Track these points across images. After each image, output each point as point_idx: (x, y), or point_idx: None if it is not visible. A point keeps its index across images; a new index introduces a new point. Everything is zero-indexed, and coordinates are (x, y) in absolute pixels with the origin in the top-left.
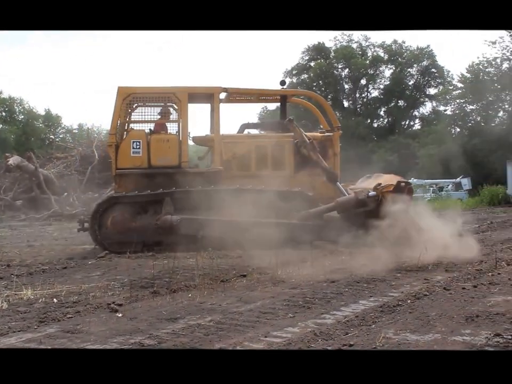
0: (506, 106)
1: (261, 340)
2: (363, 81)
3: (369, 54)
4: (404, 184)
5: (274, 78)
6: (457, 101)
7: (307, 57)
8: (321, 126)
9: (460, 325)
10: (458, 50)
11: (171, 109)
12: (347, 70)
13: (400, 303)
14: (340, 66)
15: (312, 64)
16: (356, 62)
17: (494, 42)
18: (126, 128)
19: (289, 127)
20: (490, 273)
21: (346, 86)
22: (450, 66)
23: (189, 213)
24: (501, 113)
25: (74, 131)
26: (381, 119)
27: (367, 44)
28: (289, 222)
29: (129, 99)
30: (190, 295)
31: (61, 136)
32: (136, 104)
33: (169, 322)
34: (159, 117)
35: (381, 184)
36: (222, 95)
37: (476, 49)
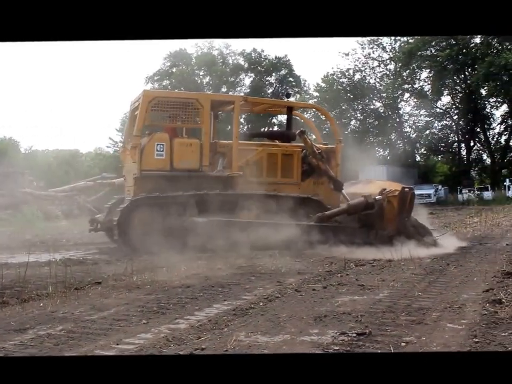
0: (358, 115)
1: (113, 347)
2: (224, 89)
3: (230, 61)
4: (408, 189)
5: (136, 84)
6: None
7: (169, 63)
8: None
9: (309, 325)
10: (314, 60)
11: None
12: (208, 77)
13: (252, 306)
14: (201, 74)
15: (173, 70)
16: (217, 69)
17: (347, 54)
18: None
19: (301, 138)
20: (339, 274)
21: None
22: (307, 76)
23: (212, 216)
24: (353, 122)
25: None
26: (241, 126)
27: (228, 51)
28: (307, 224)
29: (154, 102)
30: (41, 304)
31: None
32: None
33: (18, 333)
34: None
35: (385, 189)
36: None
37: (331, 60)
